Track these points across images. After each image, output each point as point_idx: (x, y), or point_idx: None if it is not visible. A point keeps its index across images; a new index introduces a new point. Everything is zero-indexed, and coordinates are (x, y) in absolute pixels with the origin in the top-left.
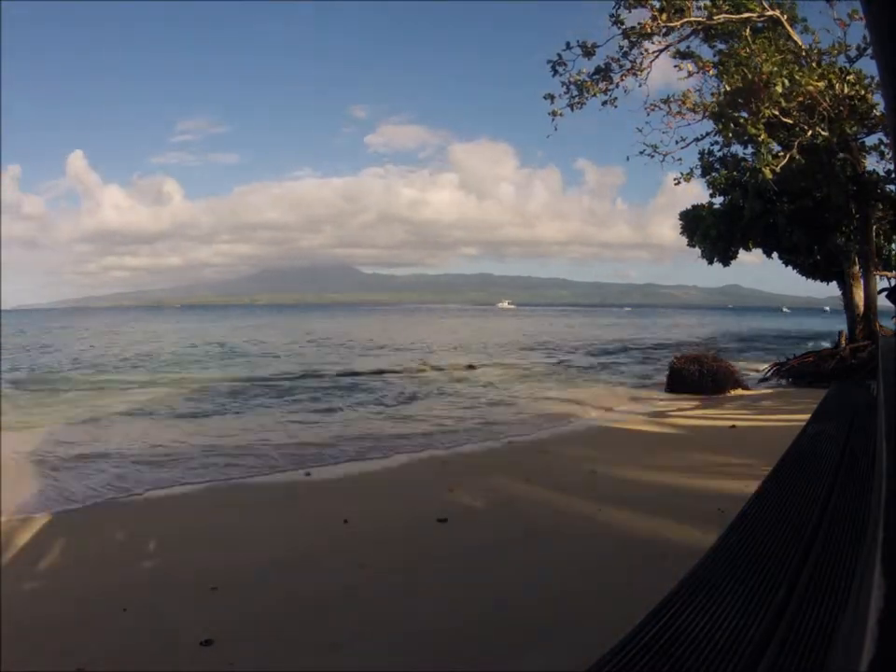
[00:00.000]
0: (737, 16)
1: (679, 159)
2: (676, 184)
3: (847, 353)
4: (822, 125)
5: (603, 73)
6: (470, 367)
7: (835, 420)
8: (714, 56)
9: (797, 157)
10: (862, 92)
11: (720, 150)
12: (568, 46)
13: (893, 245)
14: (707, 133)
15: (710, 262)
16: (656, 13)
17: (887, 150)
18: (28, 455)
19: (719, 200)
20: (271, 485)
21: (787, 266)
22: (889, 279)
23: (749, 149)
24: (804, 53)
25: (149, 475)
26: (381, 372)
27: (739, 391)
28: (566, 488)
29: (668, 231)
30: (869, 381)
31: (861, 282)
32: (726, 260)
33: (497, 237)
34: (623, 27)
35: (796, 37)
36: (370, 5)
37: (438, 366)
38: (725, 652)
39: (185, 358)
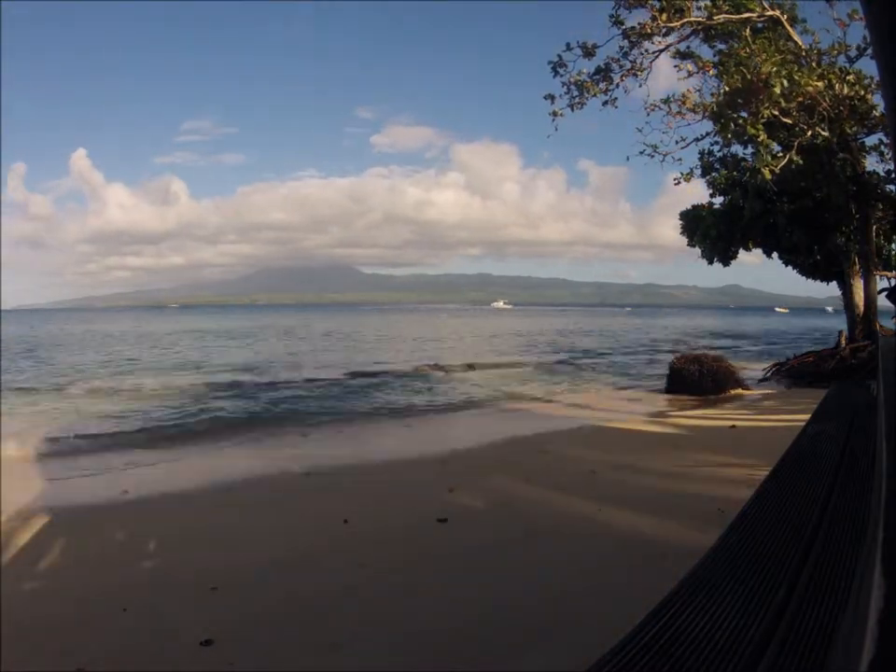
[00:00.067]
0: (737, 16)
1: (679, 159)
2: (676, 184)
3: (847, 353)
4: (822, 125)
5: (603, 73)
6: (470, 367)
7: (835, 420)
8: (714, 56)
9: (796, 157)
10: (862, 93)
11: (720, 150)
12: (569, 46)
13: (893, 245)
14: (707, 133)
15: (710, 262)
16: (656, 13)
17: (887, 150)
18: None
19: (719, 200)
20: (270, 485)
21: (787, 266)
22: (889, 279)
23: (749, 149)
24: (803, 53)
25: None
26: (381, 373)
27: (739, 391)
28: (566, 488)
29: (670, 231)
30: (869, 381)
31: (861, 282)
32: (726, 260)
33: (500, 237)
34: (623, 27)
35: (796, 37)
36: (374, 5)
37: (438, 366)
38: (725, 652)
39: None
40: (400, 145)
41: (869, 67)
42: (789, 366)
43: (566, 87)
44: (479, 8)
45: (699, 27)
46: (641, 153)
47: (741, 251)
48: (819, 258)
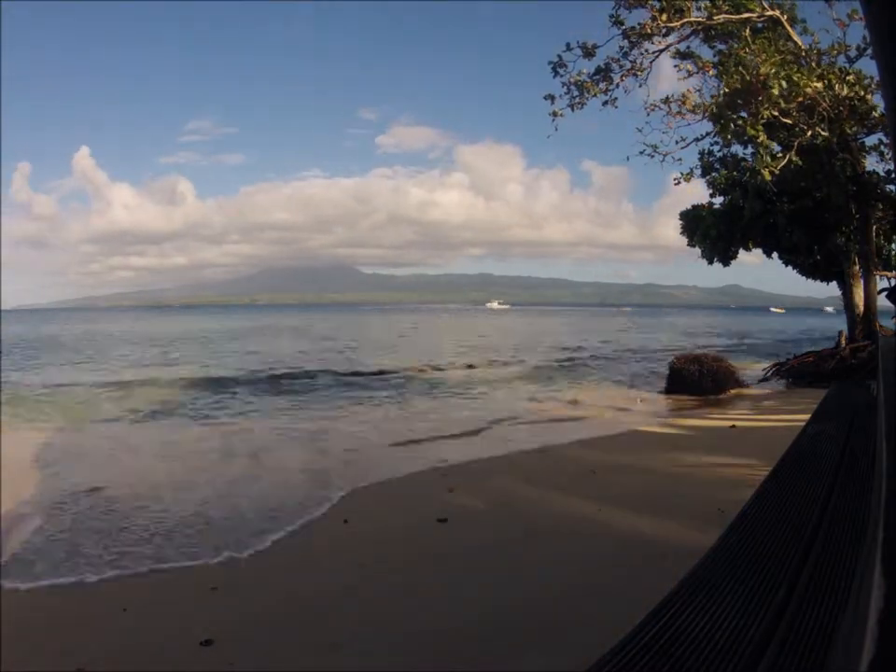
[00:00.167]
0: (737, 16)
1: (679, 159)
2: (676, 184)
3: (847, 353)
4: (822, 125)
5: (603, 73)
6: (470, 367)
7: (835, 420)
8: (714, 56)
9: (796, 157)
10: (862, 93)
11: (720, 150)
12: (569, 47)
13: (893, 245)
14: (707, 134)
15: (710, 262)
16: (656, 13)
17: (887, 150)
18: None
19: (719, 200)
20: (271, 484)
21: (787, 266)
22: (889, 279)
23: (749, 149)
24: (803, 54)
25: None
26: (381, 373)
27: (739, 391)
28: (566, 488)
29: (671, 231)
30: (869, 381)
31: (861, 282)
32: (726, 260)
33: (503, 238)
34: (623, 27)
35: (796, 38)
36: (378, 5)
37: (438, 366)
38: (725, 652)
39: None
40: (405, 145)
41: (869, 67)
42: (789, 366)
43: (566, 87)
44: (480, 8)
45: (699, 27)
46: (641, 153)
47: (741, 251)
48: (818, 258)
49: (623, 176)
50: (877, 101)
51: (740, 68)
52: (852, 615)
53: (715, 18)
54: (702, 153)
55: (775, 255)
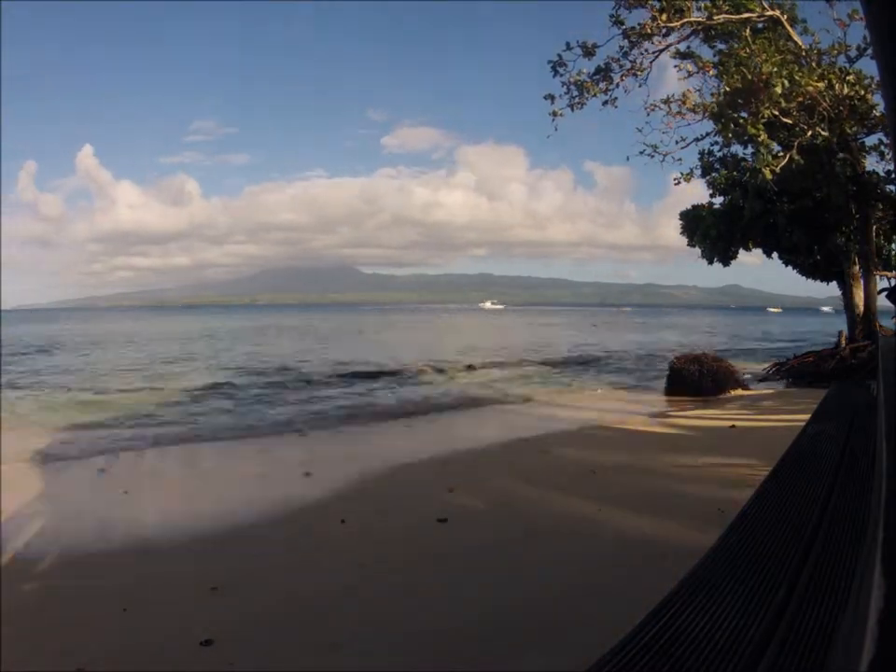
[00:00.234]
0: (737, 16)
1: (680, 159)
2: (676, 184)
3: (847, 353)
4: (822, 125)
5: (603, 73)
6: (470, 367)
7: (835, 420)
8: (714, 56)
9: (797, 157)
10: (862, 93)
11: (720, 150)
12: (569, 46)
13: (893, 245)
14: (707, 134)
15: (710, 262)
16: (656, 13)
17: (887, 150)
18: None
19: (719, 200)
20: (271, 484)
21: (787, 266)
22: (889, 279)
23: (749, 149)
24: (803, 53)
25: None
26: (379, 374)
27: (739, 391)
28: (566, 488)
29: (673, 231)
30: (869, 381)
31: (861, 282)
32: (726, 260)
33: (506, 238)
34: (624, 27)
35: (796, 38)
36: (381, 5)
37: (437, 366)
38: (725, 652)
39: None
40: (409, 146)
41: (869, 67)
42: (789, 366)
43: (565, 87)
44: (481, 8)
45: (699, 27)
46: (641, 153)
47: (741, 251)
48: (818, 258)
49: (626, 177)
50: (877, 100)
51: (741, 67)
52: (852, 615)
53: (715, 18)
54: (702, 153)
55: (775, 255)
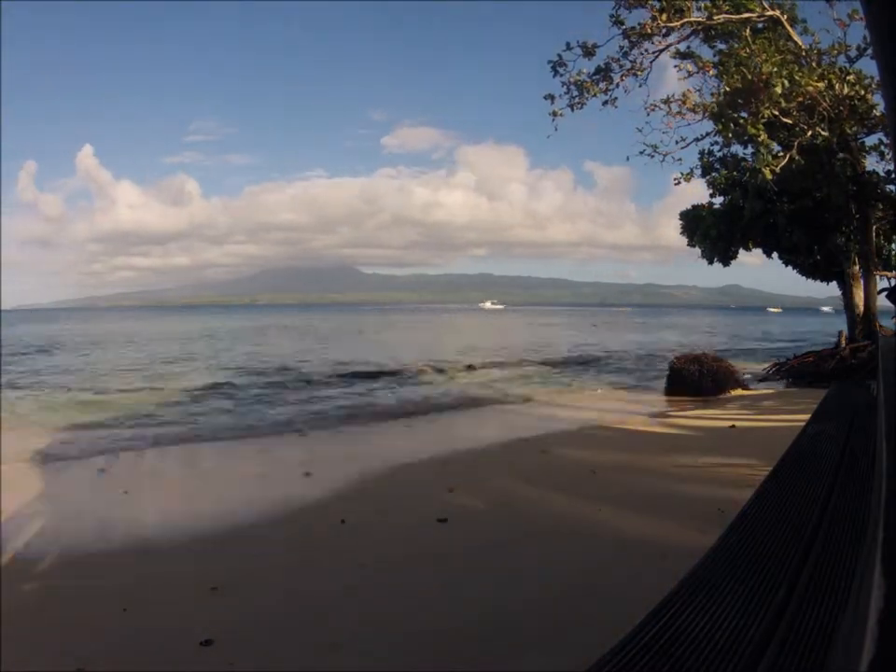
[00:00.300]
0: (737, 16)
1: (680, 159)
2: (676, 184)
3: (847, 353)
4: (822, 125)
5: (603, 73)
6: (470, 367)
7: (835, 420)
8: (714, 56)
9: (797, 157)
10: (862, 93)
11: (720, 150)
12: (569, 46)
13: (893, 245)
14: (707, 133)
15: (710, 262)
16: (656, 13)
17: (887, 150)
18: None
19: (719, 200)
20: (271, 484)
21: (787, 266)
22: (889, 279)
23: (749, 149)
24: (803, 53)
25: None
26: (379, 374)
27: (739, 391)
28: (566, 488)
29: (673, 231)
30: (869, 381)
31: (861, 282)
32: (726, 260)
33: (506, 238)
34: (624, 27)
35: (796, 38)
36: (383, 6)
37: (437, 366)
38: (725, 652)
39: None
40: (409, 146)
41: (869, 67)
42: (789, 366)
43: (565, 87)
44: (482, 8)
45: (699, 27)
46: (641, 153)
47: (741, 251)
48: (819, 258)
49: (627, 177)
50: (877, 100)
51: (741, 67)
52: (852, 615)
53: (715, 18)
54: (702, 153)
55: (775, 255)
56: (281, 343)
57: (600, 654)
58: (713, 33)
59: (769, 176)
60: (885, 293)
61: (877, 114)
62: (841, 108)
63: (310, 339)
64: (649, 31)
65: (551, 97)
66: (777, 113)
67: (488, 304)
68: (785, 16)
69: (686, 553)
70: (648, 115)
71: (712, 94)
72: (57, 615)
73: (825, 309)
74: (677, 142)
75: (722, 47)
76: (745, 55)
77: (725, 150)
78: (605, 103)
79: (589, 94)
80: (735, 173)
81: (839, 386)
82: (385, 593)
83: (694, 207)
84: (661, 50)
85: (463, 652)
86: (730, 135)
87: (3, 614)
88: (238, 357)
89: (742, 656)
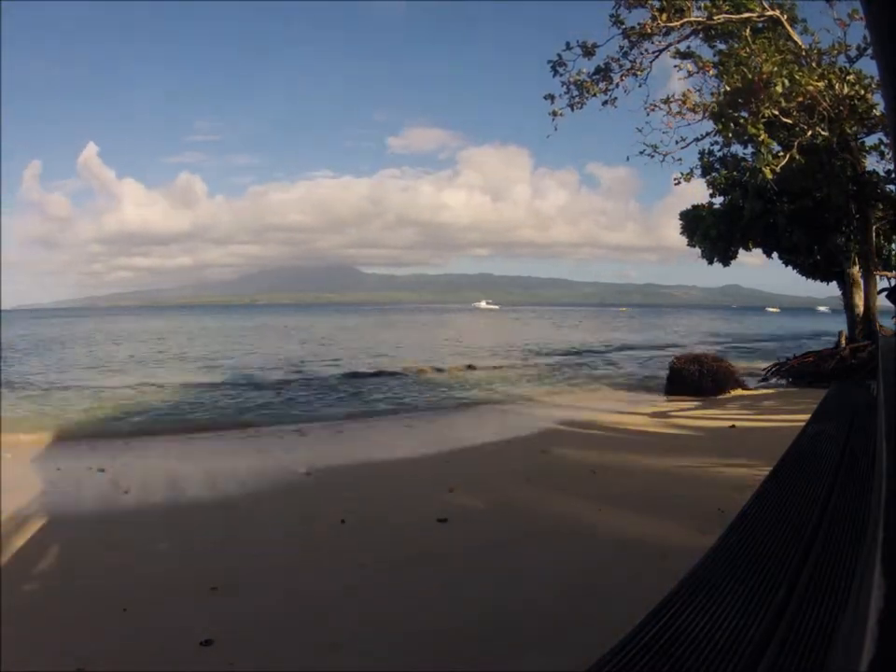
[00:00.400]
0: (737, 16)
1: (680, 159)
2: (676, 184)
3: (847, 353)
4: (822, 125)
5: (603, 73)
6: (470, 367)
7: (835, 420)
8: (714, 56)
9: (797, 157)
10: (862, 92)
11: (720, 150)
12: (568, 46)
13: (893, 245)
14: (707, 133)
15: (710, 262)
16: (656, 13)
17: (887, 150)
18: None
19: (719, 200)
20: (271, 484)
21: (787, 266)
22: (889, 279)
23: (749, 149)
24: (804, 53)
25: None
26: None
27: (739, 391)
28: (566, 488)
29: (673, 231)
30: (869, 381)
31: (861, 282)
32: (726, 260)
33: (509, 239)
34: (623, 27)
35: (796, 37)
36: (386, 6)
37: (435, 366)
38: (725, 652)
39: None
40: (414, 146)
41: (869, 67)
42: (789, 366)
43: (565, 87)
44: (482, 8)
45: (699, 27)
46: (641, 153)
47: (741, 251)
48: (818, 258)
49: (630, 177)
50: (877, 100)
51: (742, 67)
52: (852, 615)
53: (715, 18)
54: (702, 153)
55: (775, 255)
56: (280, 343)
57: (600, 654)
58: (713, 33)
59: (769, 176)
60: (885, 293)
61: (877, 114)
62: (841, 108)
63: (309, 339)
64: (649, 31)
65: (551, 97)
66: (776, 113)
67: (483, 304)
68: (785, 16)
69: (686, 553)
70: (648, 115)
71: (712, 94)
72: (57, 615)
73: (821, 309)
74: (677, 142)
75: (722, 47)
76: (745, 55)
77: (725, 150)
78: (605, 103)
79: (589, 94)
80: (735, 173)
81: (839, 386)
82: (385, 593)
83: (694, 207)
84: (661, 50)
85: (463, 652)
86: (730, 135)
87: (3, 614)
88: (237, 356)
89: (742, 656)
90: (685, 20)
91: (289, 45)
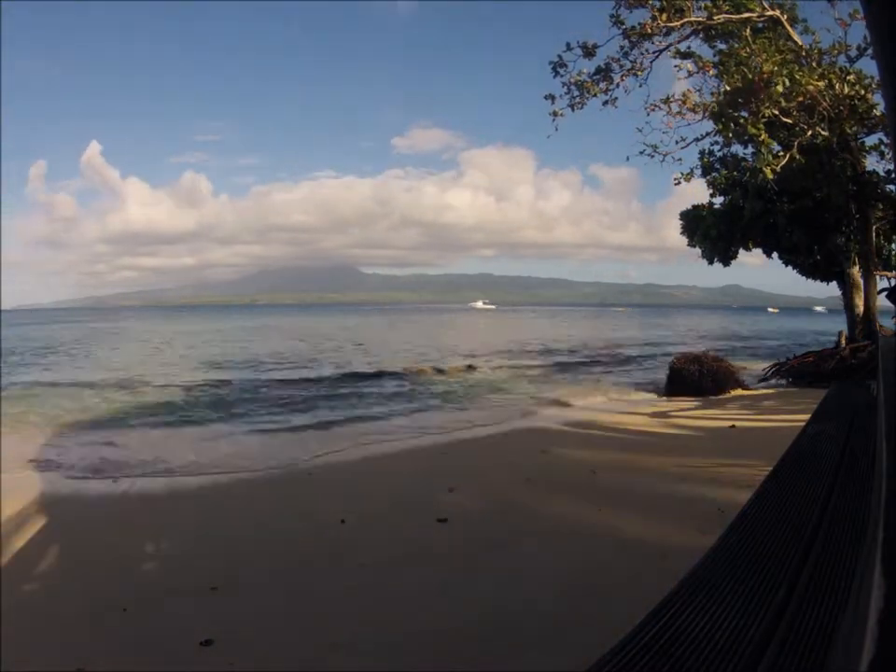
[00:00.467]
0: (737, 16)
1: (680, 159)
2: (676, 184)
3: (847, 353)
4: (822, 125)
5: (603, 73)
6: (470, 367)
7: (835, 420)
8: (714, 56)
9: (797, 157)
10: (862, 92)
11: (720, 150)
12: (569, 46)
13: (893, 245)
14: (708, 133)
15: (710, 262)
16: (656, 13)
17: (887, 150)
18: None
19: (719, 200)
20: (271, 484)
21: (787, 266)
22: (889, 279)
23: (750, 149)
24: (804, 53)
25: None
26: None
27: (739, 391)
28: (566, 488)
29: (674, 231)
30: (869, 381)
31: (861, 282)
32: (726, 260)
33: (512, 240)
34: (624, 27)
35: (796, 37)
36: (389, 6)
37: (437, 366)
38: (725, 652)
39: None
40: (419, 147)
41: (870, 67)
42: (789, 366)
43: (566, 87)
44: (482, 8)
45: (699, 27)
46: (641, 153)
47: (741, 251)
48: (819, 258)
49: (633, 178)
50: (878, 100)
51: (742, 67)
52: (852, 615)
53: (715, 18)
54: (702, 153)
55: (775, 255)
56: (280, 342)
57: (600, 654)
58: (713, 33)
59: (770, 176)
60: (885, 293)
61: (878, 113)
62: (841, 108)
63: (309, 339)
64: (649, 31)
65: (551, 97)
66: (777, 112)
67: (480, 304)
68: (785, 16)
69: (686, 553)
70: (648, 115)
71: (712, 94)
72: (57, 615)
73: (818, 309)
74: (677, 142)
75: (723, 47)
76: (745, 55)
77: (725, 150)
78: (605, 103)
79: (589, 94)
80: (735, 173)
81: (839, 386)
82: (384, 593)
83: (695, 207)
84: (661, 50)
85: (463, 652)
86: (730, 135)
87: (3, 614)
88: (237, 356)
89: (742, 656)
90: (685, 20)
91: (293, 45)
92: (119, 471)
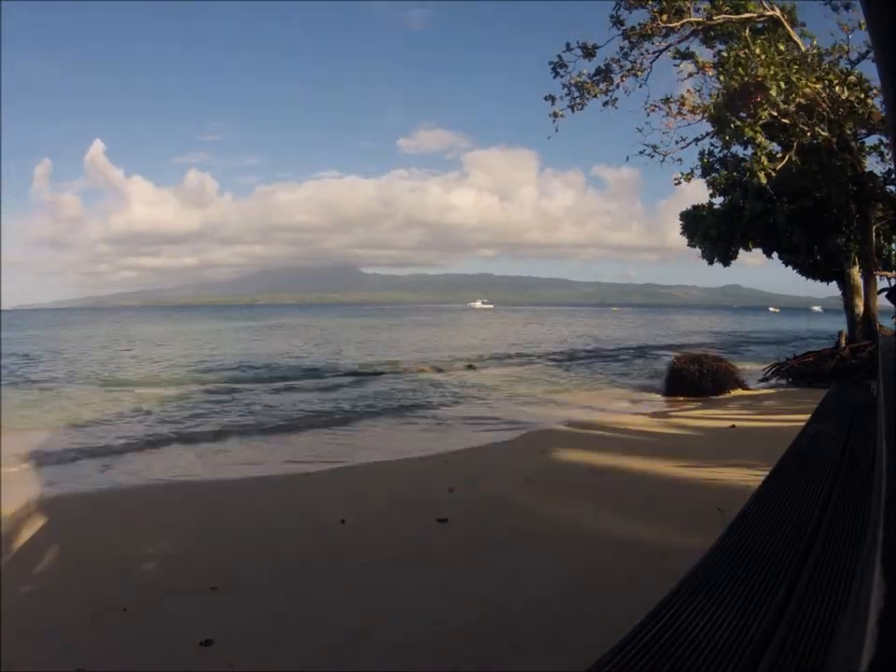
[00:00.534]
0: (737, 17)
1: (679, 159)
2: (676, 184)
3: (847, 353)
4: (822, 126)
5: (603, 74)
6: (470, 367)
7: (835, 420)
8: (714, 57)
9: (796, 158)
10: (863, 96)
11: (720, 151)
12: (569, 47)
13: (893, 245)
14: (707, 134)
15: (710, 262)
16: (656, 14)
17: (887, 150)
18: None
19: (719, 200)
20: (271, 484)
21: (787, 266)
22: (889, 279)
23: (749, 150)
24: (805, 54)
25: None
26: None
27: (739, 391)
28: (566, 488)
29: (675, 232)
30: (869, 381)
31: (861, 282)
32: (726, 260)
33: (514, 240)
34: (624, 28)
35: (796, 38)
36: (392, 5)
37: (436, 365)
38: (725, 652)
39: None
40: (423, 148)
41: (870, 70)
42: (789, 366)
43: (566, 88)
44: (482, 8)
45: (699, 28)
46: (641, 153)
47: (741, 251)
48: (819, 258)
49: (635, 178)
50: (878, 103)
51: (740, 69)
52: (852, 615)
53: (715, 18)
54: (702, 153)
55: (775, 255)
56: (280, 342)
57: (600, 654)
58: (713, 33)
59: (764, 181)
60: (885, 293)
61: (875, 113)
62: (841, 110)
63: (309, 339)
64: (649, 31)
65: (551, 98)
66: (775, 114)
67: (478, 304)
68: (785, 17)
69: (686, 553)
70: (648, 115)
71: (711, 95)
72: (57, 615)
73: (815, 309)
74: (677, 142)
75: (722, 47)
76: (743, 56)
77: (725, 151)
78: (605, 103)
79: (589, 95)
80: (735, 173)
81: (839, 386)
82: (384, 593)
83: (695, 207)
84: (661, 51)
85: (463, 652)
86: (728, 137)
87: (3, 614)
88: (237, 356)
89: (742, 656)
90: (685, 20)
91: (293, 46)
92: (119, 471)
